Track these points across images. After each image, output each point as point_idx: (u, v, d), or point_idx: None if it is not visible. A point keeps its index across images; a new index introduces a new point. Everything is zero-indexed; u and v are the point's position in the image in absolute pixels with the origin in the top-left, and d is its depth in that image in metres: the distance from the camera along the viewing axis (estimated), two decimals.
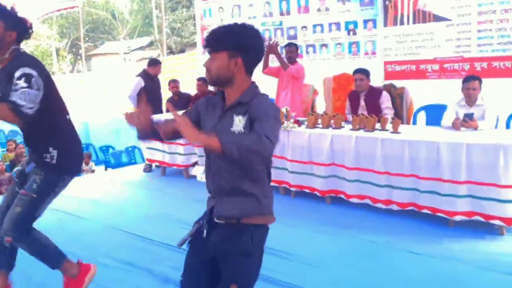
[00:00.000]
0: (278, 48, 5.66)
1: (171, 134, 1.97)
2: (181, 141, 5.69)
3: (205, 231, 1.86)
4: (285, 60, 5.59)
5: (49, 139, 2.50)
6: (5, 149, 9.45)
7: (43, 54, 28.61)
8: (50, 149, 2.48)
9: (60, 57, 30.80)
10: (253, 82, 1.86)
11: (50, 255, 2.61)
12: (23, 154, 7.74)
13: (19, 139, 11.18)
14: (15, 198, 2.51)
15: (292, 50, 5.71)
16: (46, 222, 4.49)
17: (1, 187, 7.07)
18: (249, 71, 1.83)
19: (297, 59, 5.81)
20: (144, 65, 6.95)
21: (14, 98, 2.20)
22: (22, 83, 2.23)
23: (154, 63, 6.64)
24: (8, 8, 2.39)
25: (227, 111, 1.81)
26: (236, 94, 1.81)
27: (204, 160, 1.95)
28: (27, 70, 2.27)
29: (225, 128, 1.77)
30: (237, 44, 1.76)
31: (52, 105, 2.48)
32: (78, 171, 2.72)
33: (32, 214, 2.51)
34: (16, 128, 13.31)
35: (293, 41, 6.61)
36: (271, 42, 5.70)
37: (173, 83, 6.87)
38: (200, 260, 1.89)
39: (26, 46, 26.83)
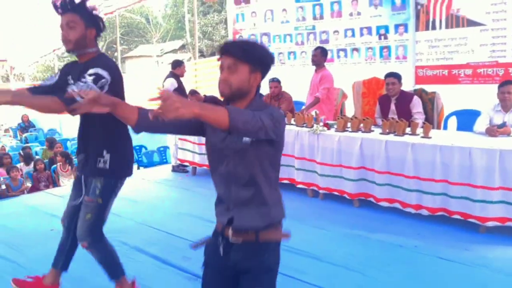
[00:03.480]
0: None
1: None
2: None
3: (221, 250, 1.78)
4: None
5: (105, 143, 2.50)
6: (44, 147, 9.75)
7: None
8: (104, 152, 2.49)
9: None
10: (261, 94, 1.72)
11: (114, 265, 2.67)
12: (59, 153, 7.93)
13: (57, 137, 11.52)
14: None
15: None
16: None
17: (40, 183, 7.29)
18: (259, 87, 1.77)
19: (326, 64, 5.81)
20: None
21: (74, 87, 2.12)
22: (89, 79, 2.25)
23: (179, 64, 6.69)
24: (88, 6, 2.38)
25: None
26: (242, 106, 1.70)
27: None
28: (100, 71, 2.30)
29: (236, 140, 1.68)
30: (260, 59, 1.71)
31: None
32: (130, 173, 2.72)
33: (101, 218, 2.57)
34: (53, 126, 13.60)
35: (324, 45, 6.60)
36: None
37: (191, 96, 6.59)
38: (219, 278, 1.81)
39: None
